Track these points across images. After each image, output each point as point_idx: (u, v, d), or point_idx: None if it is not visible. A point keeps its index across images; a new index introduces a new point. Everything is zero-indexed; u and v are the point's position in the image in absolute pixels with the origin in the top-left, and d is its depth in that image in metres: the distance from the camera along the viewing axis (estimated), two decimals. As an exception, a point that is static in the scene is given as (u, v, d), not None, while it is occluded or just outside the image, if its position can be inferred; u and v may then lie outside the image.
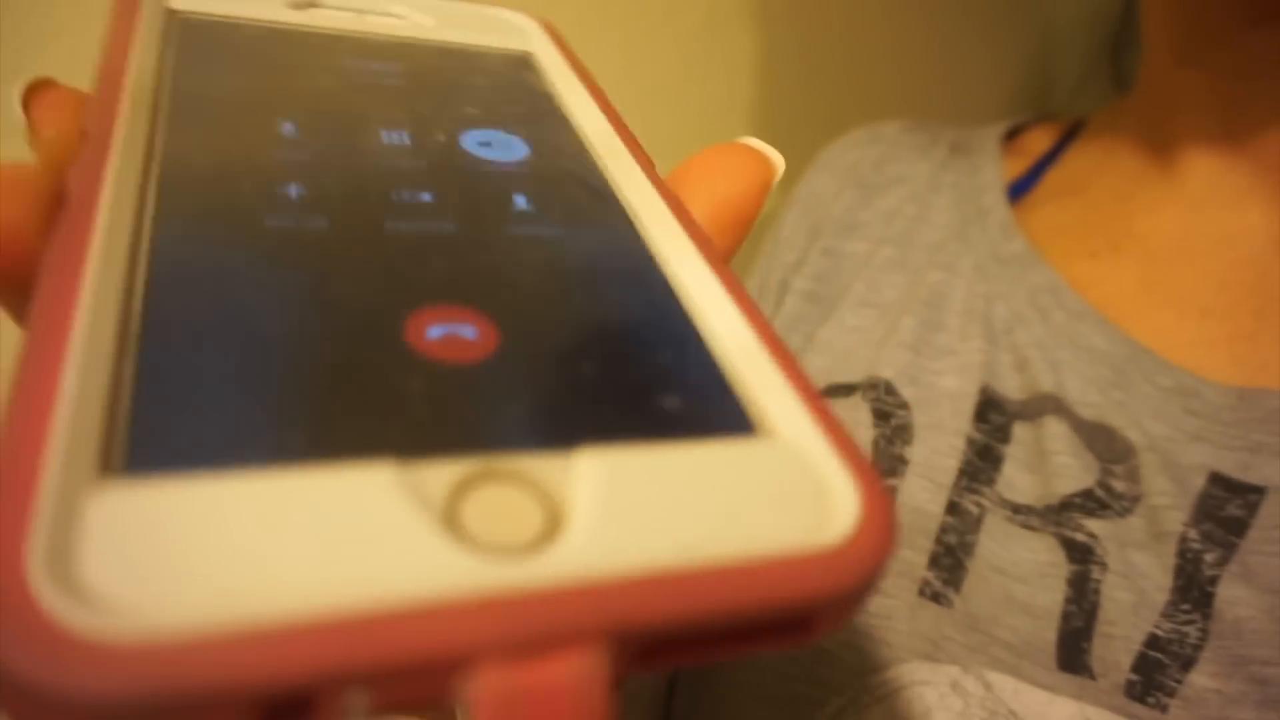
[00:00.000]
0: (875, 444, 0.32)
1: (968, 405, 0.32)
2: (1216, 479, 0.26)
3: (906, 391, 0.33)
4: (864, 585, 0.11)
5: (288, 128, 0.16)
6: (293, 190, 0.14)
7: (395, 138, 0.16)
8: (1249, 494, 0.26)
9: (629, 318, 0.14)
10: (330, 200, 0.14)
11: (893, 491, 0.31)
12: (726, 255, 0.16)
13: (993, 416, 0.31)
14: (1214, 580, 0.25)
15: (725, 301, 0.14)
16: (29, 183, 0.12)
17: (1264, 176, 0.31)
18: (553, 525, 0.10)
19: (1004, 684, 0.26)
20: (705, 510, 0.11)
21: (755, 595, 0.10)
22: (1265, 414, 0.27)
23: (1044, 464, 0.29)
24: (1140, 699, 0.25)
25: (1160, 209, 0.34)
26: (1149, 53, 0.34)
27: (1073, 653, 0.26)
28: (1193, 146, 0.33)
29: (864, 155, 0.43)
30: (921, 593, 0.29)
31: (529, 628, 0.09)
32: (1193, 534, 0.26)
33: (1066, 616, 0.26)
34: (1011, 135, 0.41)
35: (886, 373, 0.33)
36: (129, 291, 0.11)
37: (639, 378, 0.13)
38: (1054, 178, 0.38)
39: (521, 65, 0.20)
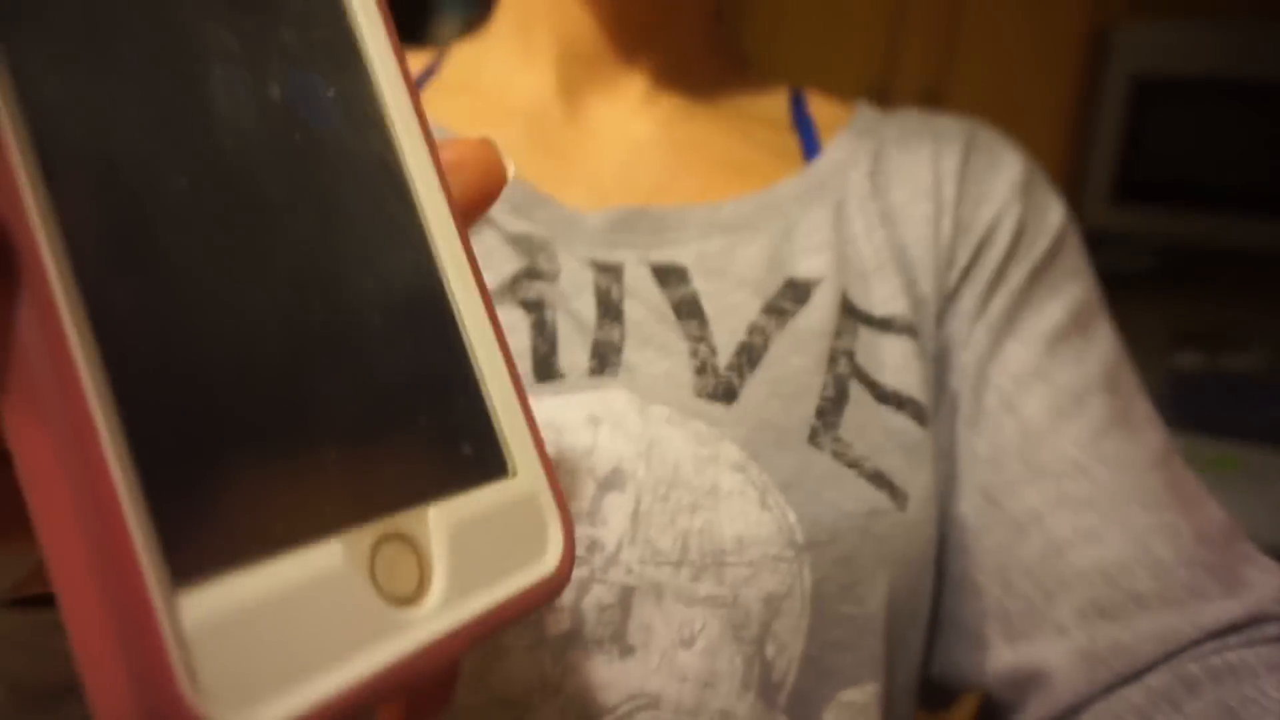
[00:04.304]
0: None
1: None
2: (594, 263, 0.39)
3: None
4: (562, 590, 0.16)
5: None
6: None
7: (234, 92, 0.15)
8: (616, 269, 0.39)
9: (435, 374, 0.16)
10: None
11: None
12: None
13: None
14: (620, 300, 0.37)
15: (495, 347, 0.17)
16: None
17: (594, 66, 0.44)
18: (423, 576, 0.14)
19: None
20: (498, 552, 0.15)
21: (520, 611, 0.15)
22: (612, 222, 0.40)
23: (487, 261, 0.39)
24: (602, 373, 0.36)
25: (528, 94, 0.45)
26: None
27: (546, 368, 0.36)
28: (545, 49, 0.45)
29: None
30: None
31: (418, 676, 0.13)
32: (600, 280, 0.38)
33: (535, 348, 0.36)
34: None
35: None
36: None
37: (452, 437, 0.16)
38: (437, 85, 0.47)
39: None
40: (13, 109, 0.11)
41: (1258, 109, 1.59)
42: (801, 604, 0.33)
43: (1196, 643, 0.33)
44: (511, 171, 0.20)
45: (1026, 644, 0.36)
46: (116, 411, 0.11)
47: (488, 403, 0.17)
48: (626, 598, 0.32)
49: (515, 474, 0.16)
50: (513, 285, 0.37)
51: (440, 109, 0.44)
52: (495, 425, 0.17)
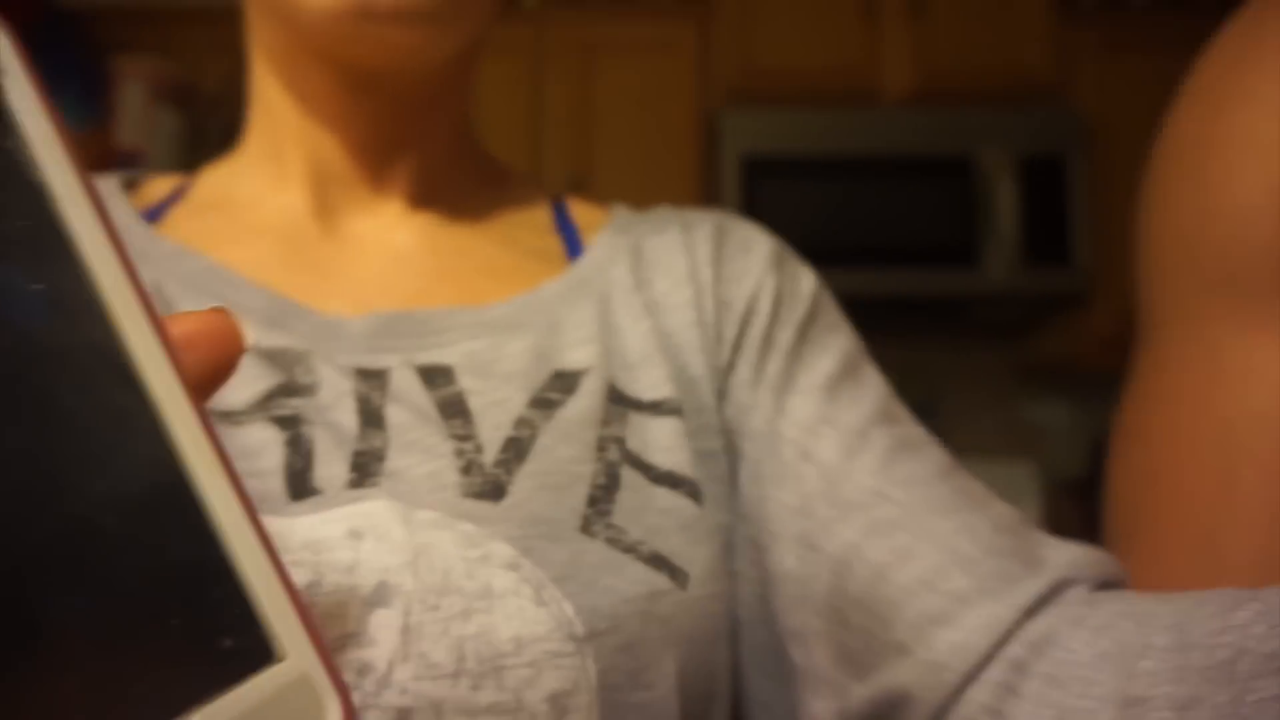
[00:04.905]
0: None
1: None
2: (357, 371, 0.39)
3: None
4: None
5: None
6: None
7: None
8: (380, 375, 0.39)
9: (184, 570, 0.16)
10: None
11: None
12: None
13: None
14: (382, 406, 0.37)
15: (247, 527, 0.17)
16: None
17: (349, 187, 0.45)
18: None
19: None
20: None
21: None
22: (375, 327, 0.40)
23: (238, 380, 0.36)
24: (362, 484, 0.35)
25: (281, 214, 0.45)
26: (263, 116, 0.46)
27: (301, 485, 0.35)
28: (297, 170, 0.45)
29: None
30: None
31: None
32: (361, 387, 0.38)
33: (289, 466, 0.35)
34: (131, 185, 0.48)
35: None
36: None
37: (210, 632, 0.15)
38: (186, 205, 0.47)
39: None
40: None
41: (847, 181, 1.89)
42: (589, 698, 0.33)
43: (1018, 623, 0.36)
44: (250, 339, 0.19)
45: (876, 674, 0.37)
46: None
47: (245, 589, 0.16)
48: None
49: (284, 657, 0.16)
50: (265, 403, 0.37)
51: (188, 229, 0.43)
52: (256, 611, 0.16)
